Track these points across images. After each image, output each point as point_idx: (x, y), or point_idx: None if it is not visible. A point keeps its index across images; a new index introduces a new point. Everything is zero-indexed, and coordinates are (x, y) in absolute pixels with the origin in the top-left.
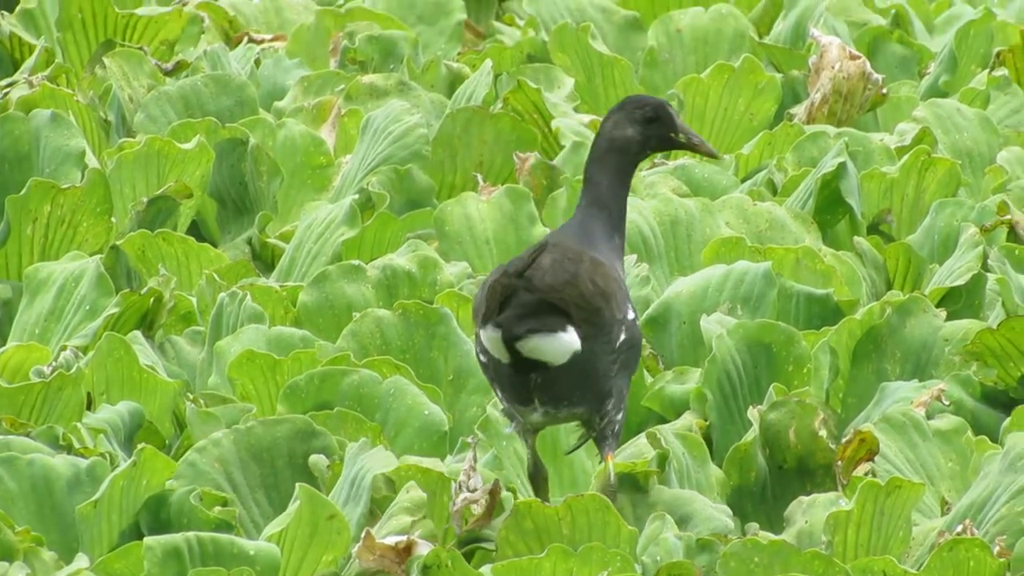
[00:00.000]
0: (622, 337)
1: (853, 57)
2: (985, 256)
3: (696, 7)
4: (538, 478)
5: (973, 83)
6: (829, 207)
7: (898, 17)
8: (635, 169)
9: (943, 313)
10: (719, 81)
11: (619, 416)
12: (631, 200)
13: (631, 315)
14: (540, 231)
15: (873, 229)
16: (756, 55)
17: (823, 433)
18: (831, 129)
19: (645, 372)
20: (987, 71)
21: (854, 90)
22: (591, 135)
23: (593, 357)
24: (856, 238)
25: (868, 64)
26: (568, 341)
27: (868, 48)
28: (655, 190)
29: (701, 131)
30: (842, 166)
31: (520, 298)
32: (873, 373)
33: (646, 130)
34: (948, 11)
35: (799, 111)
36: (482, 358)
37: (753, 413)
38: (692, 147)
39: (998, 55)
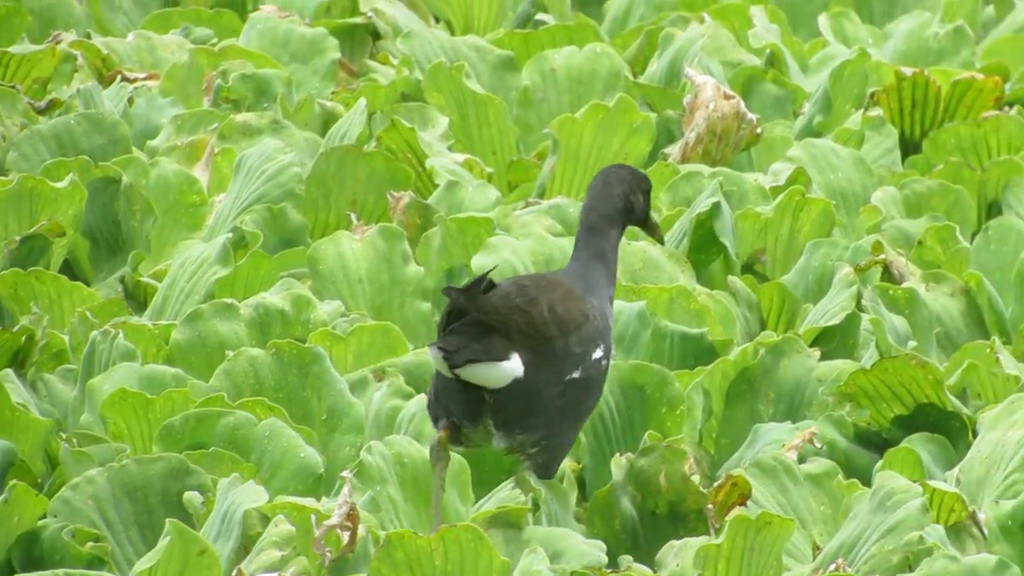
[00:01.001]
0: (574, 374)
1: (727, 97)
2: (859, 296)
3: (571, 46)
4: (441, 456)
5: (848, 123)
6: (703, 246)
7: (773, 57)
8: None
9: (817, 353)
10: (593, 120)
11: (557, 449)
12: (504, 239)
13: (596, 356)
14: (414, 270)
15: (747, 269)
16: (631, 94)
17: (694, 477)
18: (705, 169)
19: None
20: (861, 111)
21: (728, 130)
22: (466, 174)
23: (533, 385)
24: (730, 277)
25: (743, 104)
26: (511, 366)
27: (743, 88)
28: (529, 229)
29: (575, 171)
30: (716, 206)
31: (466, 320)
32: (747, 414)
33: (645, 203)
34: (823, 51)
35: (673, 151)
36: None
37: (619, 460)
38: (655, 230)
39: (872, 95)
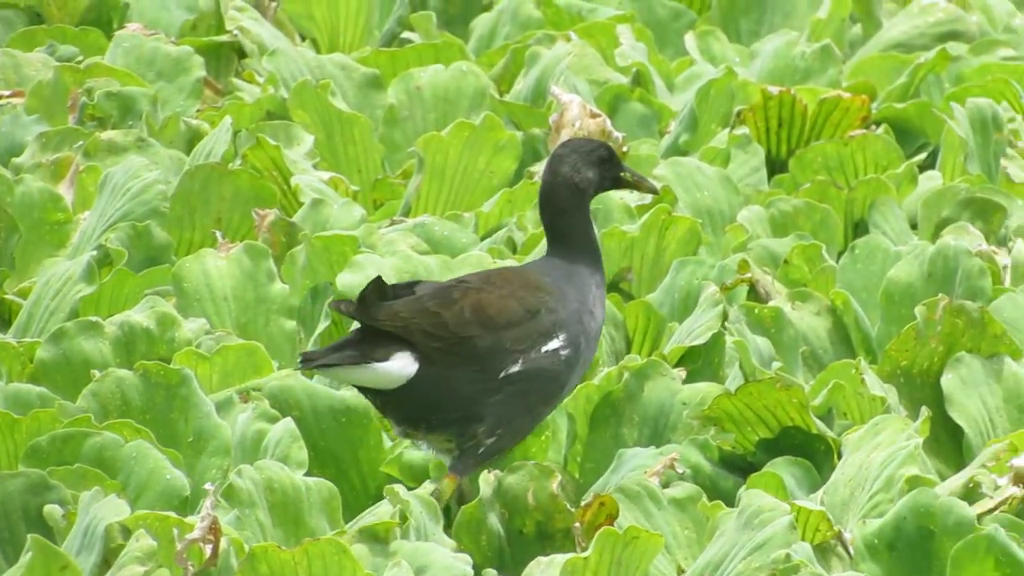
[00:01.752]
0: (513, 368)
1: (594, 115)
2: (725, 315)
3: (437, 65)
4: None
5: (714, 142)
6: None
7: (639, 75)
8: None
9: (682, 374)
10: (459, 139)
11: (490, 440)
12: (369, 257)
13: (549, 348)
14: (279, 288)
15: (613, 287)
16: (497, 113)
17: (561, 496)
18: None
19: (384, 436)
20: (728, 130)
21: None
22: (331, 192)
23: (446, 382)
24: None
25: (609, 122)
26: (388, 370)
27: (609, 106)
28: (394, 247)
29: (440, 189)
30: None
31: (362, 328)
32: (611, 438)
33: (602, 171)
34: (689, 70)
35: (540, 169)
36: None
37: (488, 477)
38: (637, 186)
39: (739, 114)
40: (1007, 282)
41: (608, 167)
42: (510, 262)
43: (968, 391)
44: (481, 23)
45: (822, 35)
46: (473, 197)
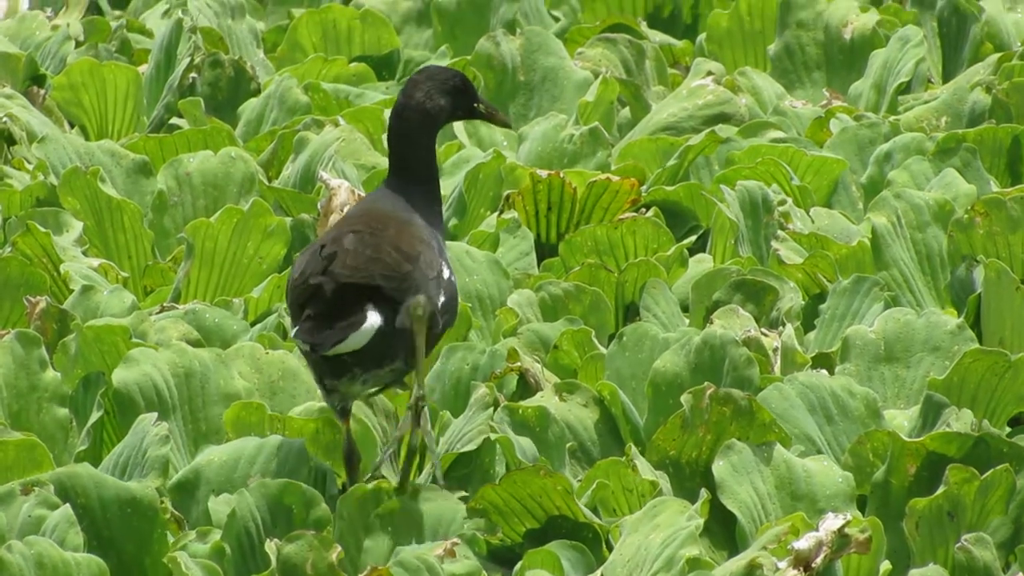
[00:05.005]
0: (442, 299)
1: (362, 200)
2: (494, 414)
3: (205, 151)
4: (352, 460)
5: (483, 226)
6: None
7: None
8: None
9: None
10: (228, 224)
11: (416, 360)
12: (144, 351)
13: (446, 273)
14: (51, 376)
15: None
16: (266, 198)
17: (339, 567)
18: None
19: (168, 534)
20: (497, 214)
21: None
22: (101, 279)
23: (401, 322)
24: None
25: None
26: (369, 327)
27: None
28: (165, 335)
29: (210, 275)
30: None
31: (321, 297)
32: (387, 546)
33: (455, 100)
34: (458, 154)
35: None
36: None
37: (270, 546)
38: (491, 118)
39: (507, 198)
40: (777, 367)
41: (462, 97)
42: (281, 353)
43: (739, 478)
44: (249, 108)
45: (591, 118)
46: (243, 283)
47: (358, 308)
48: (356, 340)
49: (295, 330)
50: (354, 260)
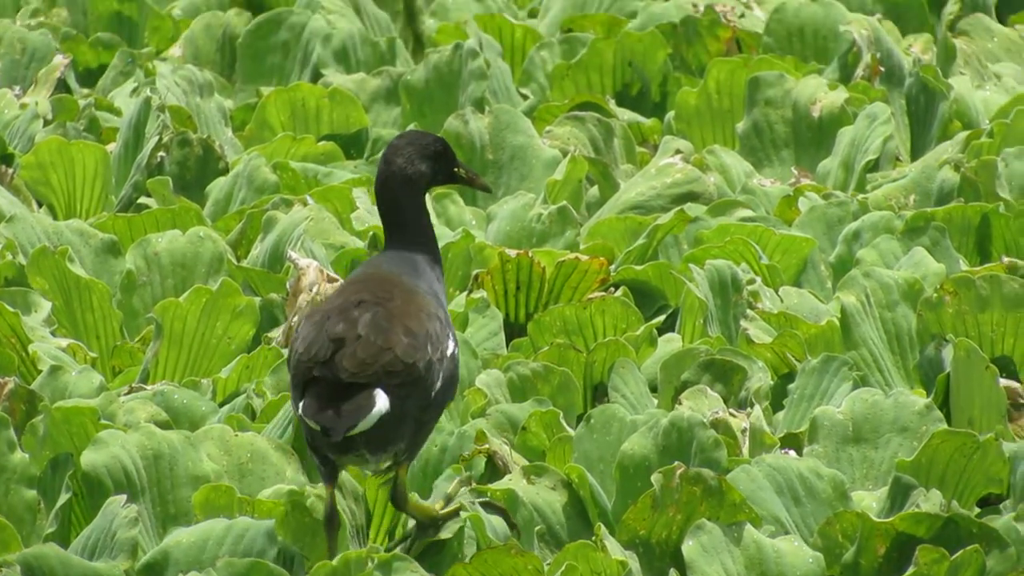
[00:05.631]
0: (438, 384)
1: (331, 279)
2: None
3: (174, 230)
4: (333, 524)
5: (452, 306)
6: None
7: (376, 239)
8: (424, 201)
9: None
10: (197, 305)
11: (415, 447)
12: (113, 433)
13: (451, 348)
14: (19, 458)
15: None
16: (234, 278)
17: None
18: None
19: None
20: (466, 293)
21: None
22: (69, 359)
23: (406, 408)
24: (343, 473)
25: None
26: (377, 411)
27: (346, 270)
28: (134, 416)
29: (179, 355)
30: None
31: (327, 386)
32: None
33: (436, 165)
34: None
35: (277, 334)
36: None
37: None
38: (471, 182)
39: (476, 277)
40: (745, 448)
41: (442, 162)
42: (250, 436)
43: (710, 558)
44: (217, 187)
45: (559, 197)
46: (211, 363)
47: (364, 390)
48: (365, 424)
49: (301, 407)
50: (364, 351)
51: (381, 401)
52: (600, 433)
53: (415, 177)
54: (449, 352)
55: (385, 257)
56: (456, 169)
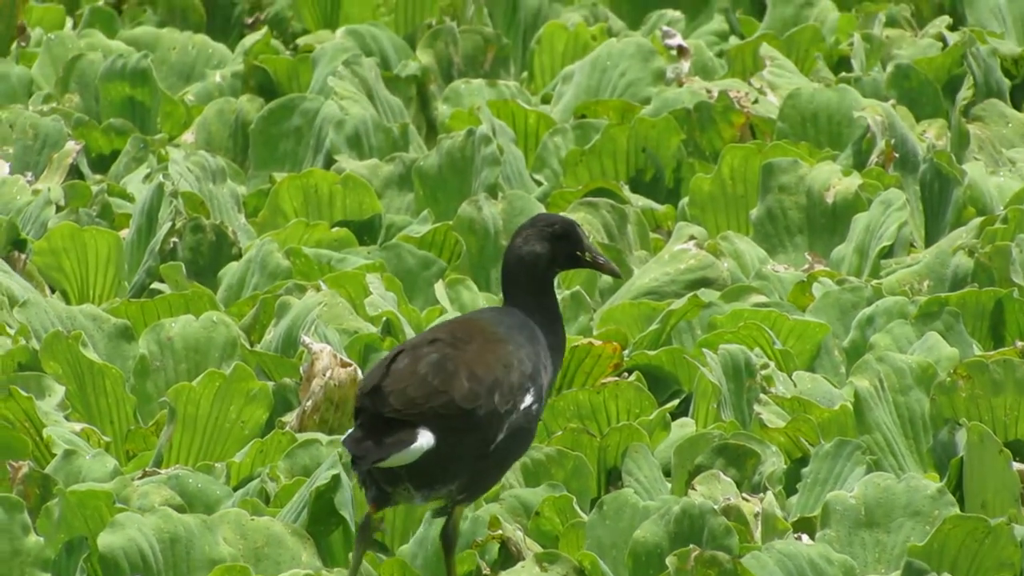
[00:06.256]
0: (501, 435)
1: (344, 364)
2: None
3: (187, 315)
4: (364, 535)
5: None
6: (323, 518)
7: (390, 325)
8: (550, 282)
9: None
10: (210, 389)
11: (465, 495)
12: (134, 516)
13: (527, 402)
14: (34, 541)
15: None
16: (247, 362)
17: None
18: (323, 436)
19: None
20: None
21: (346, 397)
22: (83, 443)
23: (458, 452)
24: (352, 554)
25: (360, 371)
26: (417, 447)
27: (360, 355)
28: (148, 501)
29: (192, 439)
30: (336, 478)
31: (370, 418)
32: None
33: (554, 247)
34: (439, 319)
35: (291, 419)
36: None
37: None
38: (597, 266)
39: None
40: (758, 533)
41: (563, 244)
42: (266, 520)
43: None
44: (230, 273)
45: (573, 282)
46: (225, 447)
47: (409, 426)
48: (400, 459)
49: (345, 436)
50: (416, 391)
51: (424, 439)
52: (613, 520)
53: (530, 258)
54: (523, 406)
55: (496, 310)
56: (580, 252)
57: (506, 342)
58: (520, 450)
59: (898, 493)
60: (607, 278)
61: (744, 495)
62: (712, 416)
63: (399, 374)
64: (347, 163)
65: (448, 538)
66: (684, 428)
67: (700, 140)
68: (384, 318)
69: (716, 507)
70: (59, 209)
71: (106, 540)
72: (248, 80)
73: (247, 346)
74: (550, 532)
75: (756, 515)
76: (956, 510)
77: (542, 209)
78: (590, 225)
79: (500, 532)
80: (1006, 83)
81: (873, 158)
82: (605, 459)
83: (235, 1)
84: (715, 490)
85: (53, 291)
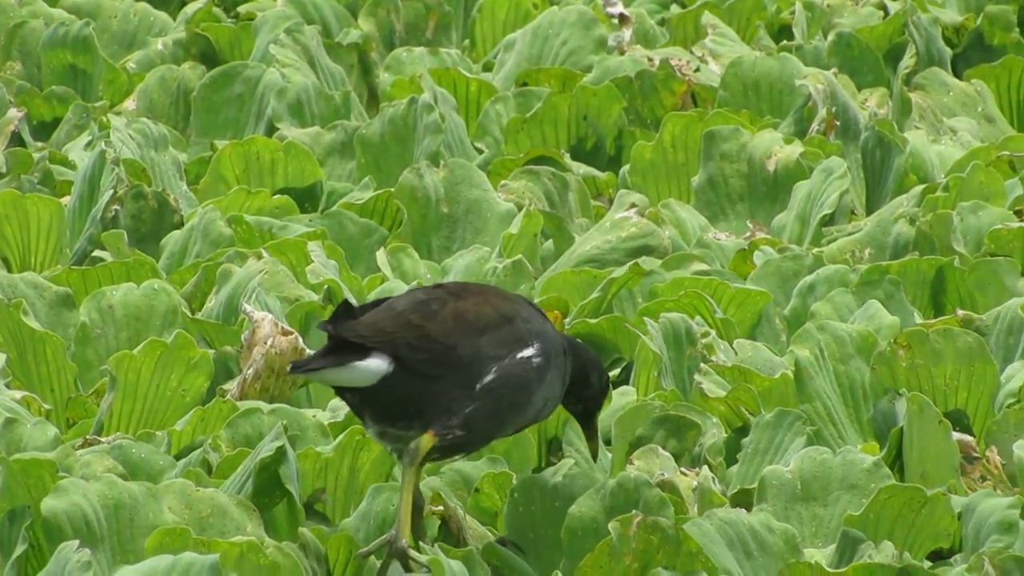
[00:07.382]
0: (488, 377)
1: (286, 333)
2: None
3: (128, 283)
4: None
5: None
6: (267, 490)
7: (331, 292)
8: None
9: None
10: (151, 357)
11: (460, 434)
12: (78, 482)
13: (525, 353)
14: None
15: (309, 509)
16: (189, 331)
17: None
18: (265, 405)
19: None
20: None
21: (287, 365)
22: (24, 411)
23: (427, 386)
24: (301, 529)
25: (301, 339)
26: (368, 367)
27: (301, 323)
28: (91, 470)
29: (133, 408)
30: (281, 450)
31: (329, 340)
32: None
33: (575, 394)
34: (381, 287)
35: (232, 387)
36: None
37: None
38: (587, 436)
39: None
40: (694, 508)
41: (587, 405)
42: (211, 491)
43: None
44: (172, 241)
45: (514, 251)
46: (166, 415)
47: (360, 352)
48: (348, 375)
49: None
50: (388, 323)
51: (377, 363)
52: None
53: (562, 387)
54: (520, 355)
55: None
56: (588, 416)
57: (518, 303)
58: (512, 399)
59: (834, 467)
60: (548, 245)
61: (682, 469)
62: (653, 385)
63: (381, 311)
64: (289, 131)
65: (410, 452)
66: (625, 397)
67: (642, 108)
68: (326, 286)
69: (651, 479)
70: (1, 176)
71: (49, 505)
72: (190, 48)
73: (188, 314)
74: (489, 508)
75: (693, 490)
76: (892, 482)
77: (484, 177)
78: (531, 193)
79: (441, 508)
80: (947, 52)
81: (814, 126)
82: (545, 429)
83: None
84: (653, 465)
85: None
